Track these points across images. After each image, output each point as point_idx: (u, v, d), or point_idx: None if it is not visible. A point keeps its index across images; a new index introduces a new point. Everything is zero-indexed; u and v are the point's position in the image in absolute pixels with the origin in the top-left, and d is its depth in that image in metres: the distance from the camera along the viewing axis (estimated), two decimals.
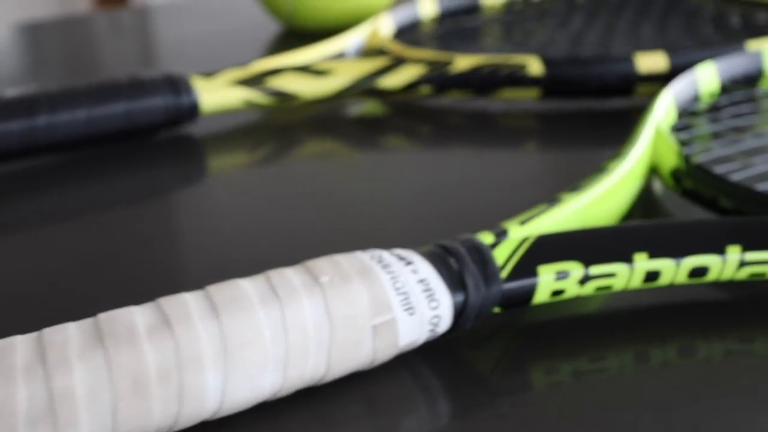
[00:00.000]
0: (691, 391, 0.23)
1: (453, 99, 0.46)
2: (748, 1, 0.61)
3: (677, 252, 0.24)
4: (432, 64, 0.44)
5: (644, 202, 0.34)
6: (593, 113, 0.44)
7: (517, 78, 0.43)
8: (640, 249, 0.24)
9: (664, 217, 0.33)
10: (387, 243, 0.25)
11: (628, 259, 0.24)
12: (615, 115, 0.44)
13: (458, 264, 0.23)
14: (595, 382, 0.23)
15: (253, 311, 0.20)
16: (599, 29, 0.57)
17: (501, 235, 0.25)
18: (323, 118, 0.45)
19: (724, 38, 0.54)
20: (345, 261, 0.22)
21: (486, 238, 0.25)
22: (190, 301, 0.20)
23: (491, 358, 0.24)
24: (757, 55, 0.44)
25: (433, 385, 0.23)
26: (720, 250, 0.24)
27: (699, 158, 0.32)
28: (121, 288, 0.29)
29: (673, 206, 0.33)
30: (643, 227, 0.25)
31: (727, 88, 0.42)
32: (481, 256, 0.23)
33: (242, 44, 0.61)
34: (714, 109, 0.40)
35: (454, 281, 0.23)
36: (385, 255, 0.23)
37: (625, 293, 0.26)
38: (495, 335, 0.25)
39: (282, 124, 0.45)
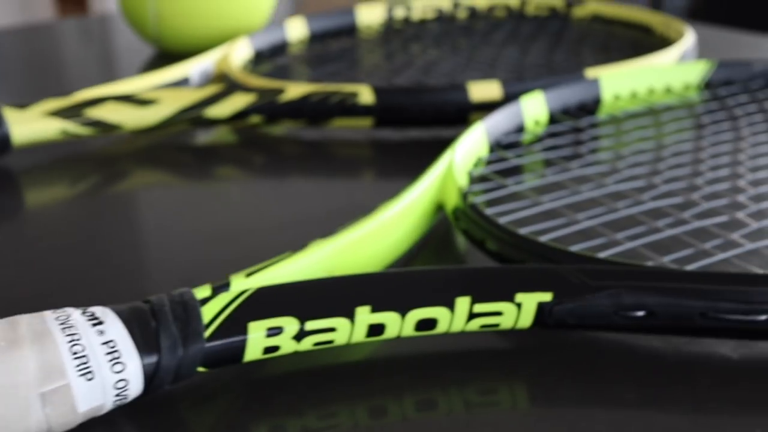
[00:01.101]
0: None
1: (290, 128, 0.45)
2: (629, 23, 0.61)
3: (402, 305, 0.23)
4: (262, 93, 0.43)
5: (439, 242, 0.33)
6: (431, 142, 0.43)
7: (347, 107, 0.42)
8: (363, 302, 0.23)
9: (456, 259, 0.32)
10: (176, 282, 0.24)
11: (349, 312, 0.23)
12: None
13: (156, 322, 0.22)
14: None
15: None
16: (463, 54, 0.56)
17: (220, 288, 0.24)
18: (155, 148, 0.44)
19: (574, 65, 0.53)
20: (24, 323, 0.21)
21: (202, 291, 0.23)
22: None
23: (211, 416, 0.23)
24: (595, 83, 0.43)
25: None
26: (448, 302, 0.23)
27: (477, 198, 0.31)
28: None
29: (471, 248, 0.32)
30: (369, 278, 0.24)
31: (556, 118, 0.41)
32: (186, 313, 0.22)
33: (115, 65, 0.60)
34: (535, 141, 0.39)
35: (148, 342, 0.21)
36: (75, 315, 0.21)
37: (361, 344, 0.25)
38: (219, 392, 0.24)
39: (110, 155, 0.43)
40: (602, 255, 0.27)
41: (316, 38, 0.60)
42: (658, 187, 0.33)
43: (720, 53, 0.56)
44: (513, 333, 0.25)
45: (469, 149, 0.35)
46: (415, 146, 0.43)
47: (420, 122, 0.43)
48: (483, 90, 0.42)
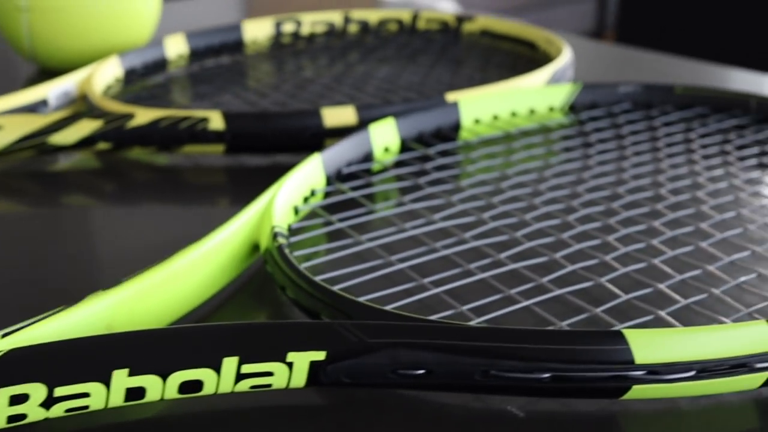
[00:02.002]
0: None
1: (144, 153, 0.43)
2: (516, 38, 0.60)
3: (164, 367, 0.22)
4: (109, 119, 0.41)
5: (258, 286, 0.31)
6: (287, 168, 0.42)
7: (197, 133, 0.41)
8: (121, 364, 0.22)
9: (273, 306, 0.31)
10: None
11: (104, 376, 0.22)
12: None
13: None
14: None
15: None
16: (341, 72, 0.55)
17: None
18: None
19: (445, 86, 0.52)
20: None
21: None
22: None
23: None
24: (453, 108, 0.43)
25: None
26: (214, 364, 0.22)
27: (293, 237, 0.30)
28: None
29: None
30: (129, 338, 0.23)
31: (409, 145, 0.40)
32: None
33: None
34: (380, 170, 0.39)
35: None
36: None
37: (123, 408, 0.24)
38: None
39: None
40: (403, 303, 0.27)
41: (197, 55, 0.58)
42: (485, 224, 0.33)
43: (639, 74, 0.56)
44: (292, 392, 0.24)
45: (301, 182, 0.34)
46: (276, 171, 0.42)
47: (274, 148, 0.42)
48: (337, 115, 0.41)
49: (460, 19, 0.64)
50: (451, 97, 0.43)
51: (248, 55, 0.60)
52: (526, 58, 0.58)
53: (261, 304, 0.30)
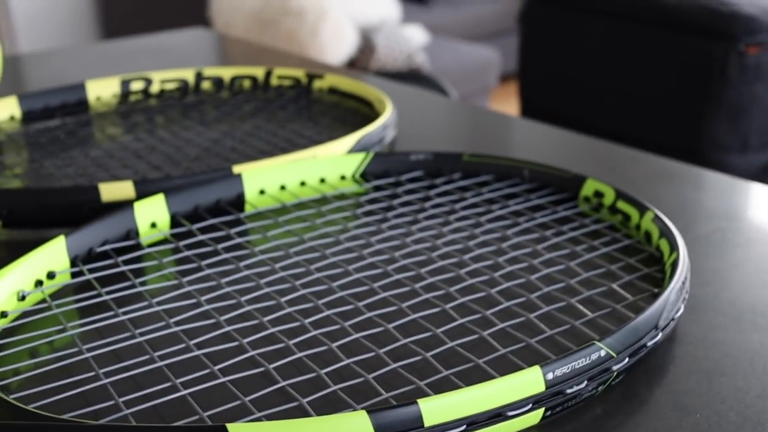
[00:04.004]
0: None
1: None
2: (357, 96, 0.61)
3: None
4: None
5: None
6: None
7: None
8: None
9: None
10: None
11: None
12: None
13: None
14: None
15: None
16: (162, 136, 0.56)
17: None
18: None
19: (254, 150, 0.52)
20: None
21: None
22: None
23: None
24: (237, 179, 0.43)
25: None
26: None
27: None
28: None
29: None
30: None
31: (178, 220, 0.41)
32: None
33: None
34: (136, 248, 0.39)
35: None
36: None
37: None
38: None
39: None
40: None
41: (32, 117, 0.58)
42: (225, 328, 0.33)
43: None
44: None
45: (35, 265, 0.34)
46: None
47: (52, 223, 0.42)
48: (115, 190, 0.41)
49: (311, 76, 0.64)
50: (237, 168, 0.44)
51: (91, 115, 0.60)
52: (362, 114, 0.58)
53: None
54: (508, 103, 2.53)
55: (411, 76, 1.29)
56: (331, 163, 0.45)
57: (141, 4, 2.91)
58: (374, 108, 0.58)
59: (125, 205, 0.40)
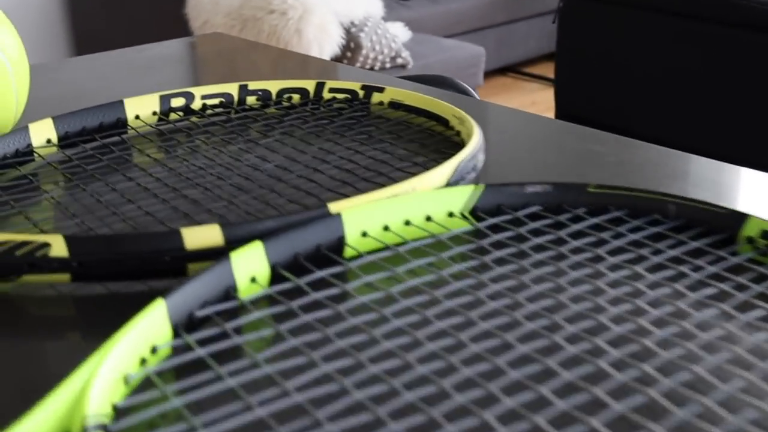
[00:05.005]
0: None
1: None
2: (428, 113, 0.55)
3: None
4: None
5: None
6: (149, 294, 0.36)
7: (37, 261, 0.35)
8: None
9: None
10: None
11: None
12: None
13: None
14: None
15: None
16: (224, 162, 0.50)
17: None
18: None
19: (335, 182, 0.46)
20: None
21: None
22: None
23: None
24: (336, 220, 0.37)
25: None
26: None
27: (114, 425, 0.24)
28: None
29: None
30: None
31: (279, 273, 0.35)
32: None
33: None
34: (240, 311, 0.33)
35: None
36: None
37: None
38: None
39: None
40: None
41: (69, 139, 0.52)
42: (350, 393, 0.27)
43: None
44: None
45: (138, 340, 0.29)
46: (137, 300, 0.36)
47: (128, 276, 0.36)
48: (199, 236, 0.36)
49: (367, 89, 0.58)
50: (333, 207, 0.38)
51: (129, 138, 0.54)
52: (440, 135, 0.53)
53: None
54: (496, 101, 2.48)
55: (431, 80, 1.23)
56: (436, 197, 0.40)
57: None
58: (452, 126, 0.52)
59: (218, 256, 0.34)
